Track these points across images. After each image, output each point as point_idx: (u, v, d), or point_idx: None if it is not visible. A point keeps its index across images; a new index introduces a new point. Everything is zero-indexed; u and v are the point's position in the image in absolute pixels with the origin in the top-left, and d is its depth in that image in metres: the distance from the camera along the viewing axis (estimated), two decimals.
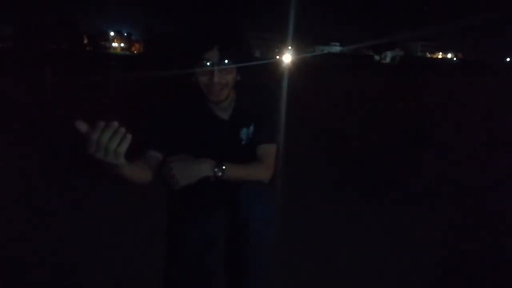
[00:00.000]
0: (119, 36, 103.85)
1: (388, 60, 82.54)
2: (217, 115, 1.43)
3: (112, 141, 0.91)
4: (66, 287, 1.80)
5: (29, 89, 8.71)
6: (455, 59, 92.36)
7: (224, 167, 1.30)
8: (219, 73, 1.26)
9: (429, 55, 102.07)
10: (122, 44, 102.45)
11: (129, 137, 0.93)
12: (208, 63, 1.26)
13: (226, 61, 1.26)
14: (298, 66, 31.84)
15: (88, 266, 1.92)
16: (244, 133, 1.44)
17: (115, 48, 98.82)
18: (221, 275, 1.50)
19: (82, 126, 0.91)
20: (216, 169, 1.29)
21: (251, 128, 1.44)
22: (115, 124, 0.91)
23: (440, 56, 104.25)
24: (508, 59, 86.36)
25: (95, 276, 1.85)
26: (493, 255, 2.21)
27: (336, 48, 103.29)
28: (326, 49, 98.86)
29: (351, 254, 2.12)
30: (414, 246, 2.27)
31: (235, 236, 1.30)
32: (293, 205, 2.70)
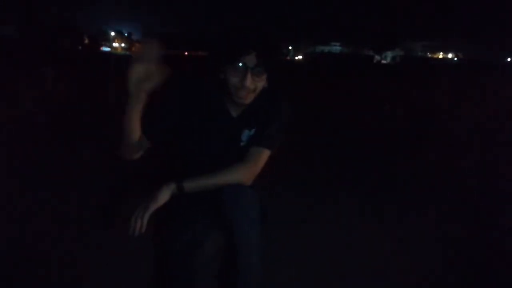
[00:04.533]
0: (120, 36, 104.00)
1: (388, 60, 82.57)
2: (227, 108, 1.43)
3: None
4: (67, 286, 1.80)
5: (30, 89, 8.72)
6: (455, 59, 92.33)
7: (183, 185, 1.30)
8: (252, 78, 1.28)
9: (429, 55, 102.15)
10: (122, 44, 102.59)
11: (155, 80, 1.20)
12: (243, 67, 1.27)
13: (260, 67, 1.28)
14: (298, 66, 31.86)
15: (89, 267, 1.92)
16: (245, 134, 1.43)
17: (115, 48, 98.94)
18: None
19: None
20: (174, 190, 1.30)
21: (253, 131, 1.44)
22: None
23: (440, 56, 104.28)
24: (508, 59, 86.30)
25: (96, 276, 1.86)
26: (494, 253, 2.21)
27: (336, 48, 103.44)
28: (326, 49, 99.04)
29: (352, 253, 2.12)
30: (415, 244, 2.27)
31: (220, 237, 1.30)
32: (294, 204, 2.70)
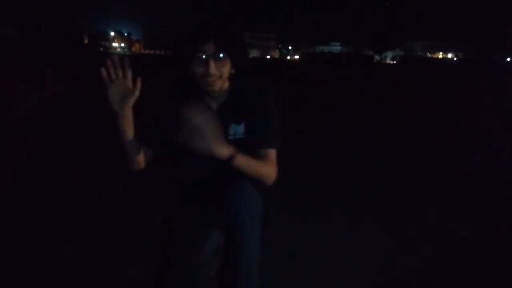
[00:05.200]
0: (119, 36, 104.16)
1: (388, 60, 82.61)
2: (207, 103, 1.45)
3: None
4: (67, 286, 1.80)
5: (30, 89, 8.71)
6: (455, 59, 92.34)
7: (236, 155, 1.26)
8: (214, 64, 1.31)
9: (429, 55, 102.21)
10: (122, 44, 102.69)
11: (135, 93, 1.24)
12: (204, 56, 1.31)
13: (221, 53, 1.32)
14: (298, 66, 31.85)
15: (89, 267, 1.92)
16: (232, 129, 1.44)
17: (115, 48, 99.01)
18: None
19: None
20: (228, 154, 1.24)
21: (241, 127, 1.43)
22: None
23: (440, 56, 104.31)
24: (508, 59, 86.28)
25: (96, 276, 1.86)
26: (494, 254, 2.21)
27: (336, 48, 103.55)
28: (326, 49, 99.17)
29: (352, 253, 2.13)
30: (415, 244, 2.27)
31: (221, 237, 1.31)
32: (294, 204, 2.71)
